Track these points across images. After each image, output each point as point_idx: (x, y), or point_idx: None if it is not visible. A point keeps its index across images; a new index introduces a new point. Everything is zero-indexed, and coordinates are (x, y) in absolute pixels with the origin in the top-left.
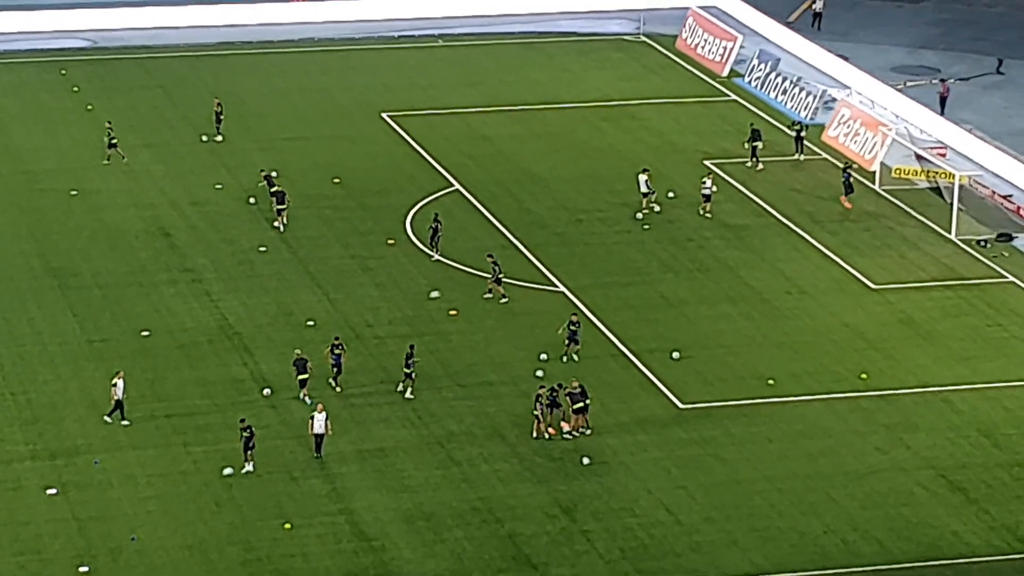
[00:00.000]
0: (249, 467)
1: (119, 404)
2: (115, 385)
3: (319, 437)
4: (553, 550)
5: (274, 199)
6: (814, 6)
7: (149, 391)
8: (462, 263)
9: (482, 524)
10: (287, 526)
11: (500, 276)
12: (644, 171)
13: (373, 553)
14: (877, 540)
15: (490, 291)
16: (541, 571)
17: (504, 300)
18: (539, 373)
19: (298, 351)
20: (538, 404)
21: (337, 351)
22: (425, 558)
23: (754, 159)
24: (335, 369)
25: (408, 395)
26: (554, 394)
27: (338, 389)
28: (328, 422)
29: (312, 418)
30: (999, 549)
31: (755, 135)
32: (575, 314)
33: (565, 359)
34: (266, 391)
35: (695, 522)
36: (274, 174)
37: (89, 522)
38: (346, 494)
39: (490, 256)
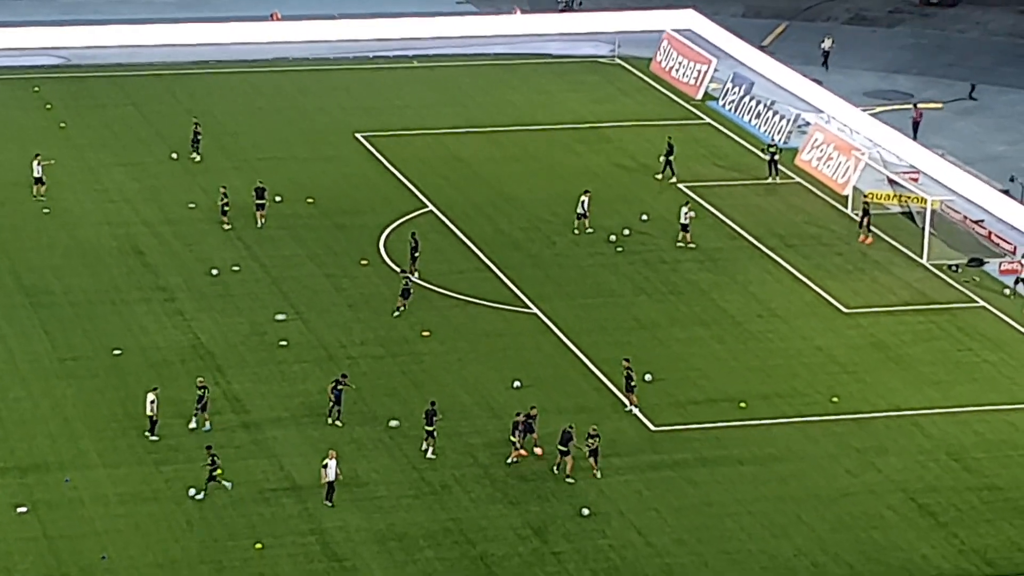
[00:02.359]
0: (206, 426)
1: (152, 421)
2: (152, 401)
3: (331, 484)
4: (524, 571)
5: (254, 194)
6: (823, 45)
7: (120, 409)
8: (435, 284)
9: (453, 545)
10: (258, 546)
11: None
12: (586, 192)
13: (344, 573)
14: (847, 563)
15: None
16: None
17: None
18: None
19: (200, 379)
20: (515, 431)
21: (340, 387)
22: None
23: (667, 170)
24: (335, 405)
25: (430, 454)
26: (529, 419)
27: (339, 424)
28: (339, 468)
29: (325, 466)
30: (968, 572)
31: (670, 149)
32: (627, 359)
33: (627, 408)
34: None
35: (666, 544)
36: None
37: (60, 540)
38: (317, 514)
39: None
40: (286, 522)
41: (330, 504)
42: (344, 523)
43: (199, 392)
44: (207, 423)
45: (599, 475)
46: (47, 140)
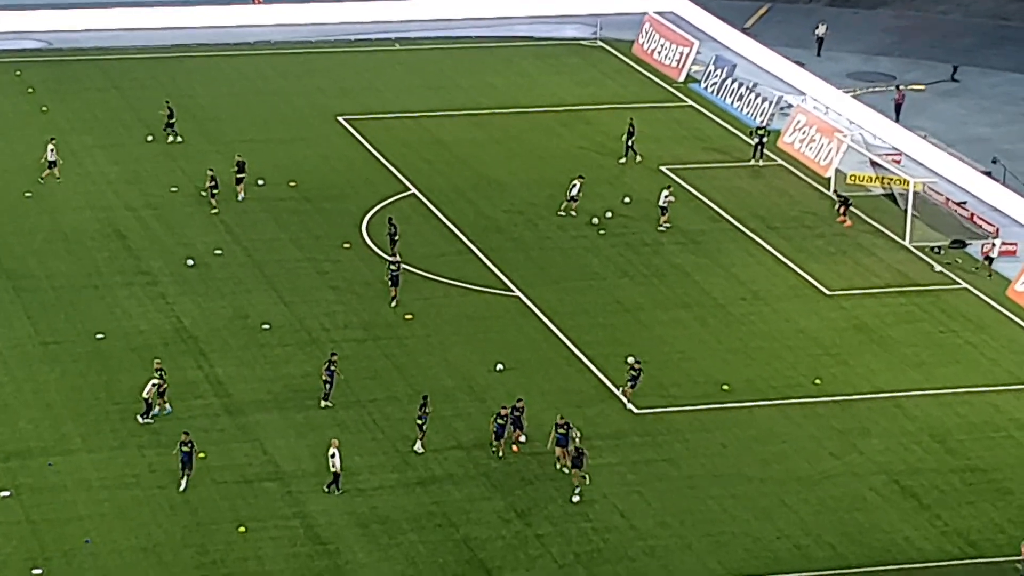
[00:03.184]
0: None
1: (148, 404)
2: (155, 385)
3: (338, 475)
4: (508, 554)
5: (235, 168)
6: (816, 31)
7: (104, 393)
8: (418, 267)
9: (436, 528)
10: (241, 529)
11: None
12: (579, 177)
13: (328, 556)
14: (830, 545)
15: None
16: None
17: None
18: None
19: (158, 360)
20: (495, 422)
21: (332, 368)
22: (379, 562)
23: (631, 153)
24: (327, 385)
25: (418, 448)
26: (516, 412)
27: (329, 404)
28: (338, 459)
29: (332, 456)
30: (950, 554)
31: (632, 131)
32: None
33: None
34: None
35: (649, 527)
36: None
37: (43, 524)
38: (301, 498)
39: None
40: (269, 506)
41: (330, 491)
42: (327, 507)
43: (156, 375)
44: (167, 407)
45: (588, 480)
46: (29, 124)
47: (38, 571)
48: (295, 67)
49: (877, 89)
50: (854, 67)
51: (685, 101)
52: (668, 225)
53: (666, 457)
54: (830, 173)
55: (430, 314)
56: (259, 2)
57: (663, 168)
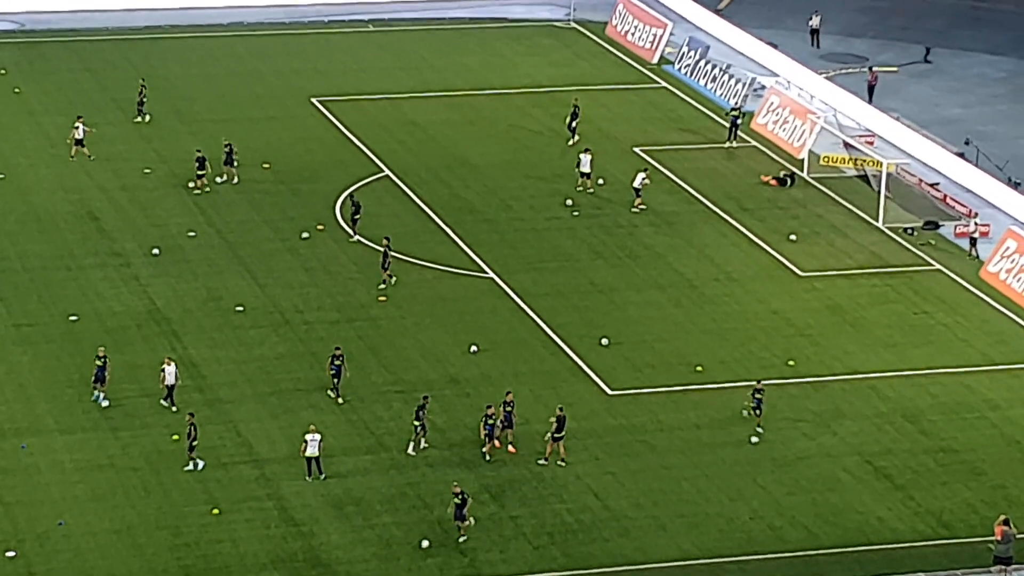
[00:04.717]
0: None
1: (170, 389)
2: (172, 372)
3: (314, 460)
4: (482, 535)
5: (225, 151)
6: (811, 22)
7: (77, 375)
8: (392, 249)
9: (411, 509)
10: (215, 511)
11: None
12: (586, 150)
13: (302, 538)
14: (804, 526)
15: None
16: (470, 557)
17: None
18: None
19: (102, 348)
20: (485, 423)
21: (337, 362)
22: (354, 543)
23: (574, 137)
24: (335, 379)
25: (411, 451)
26: (508, 408)
27: (339, 400)
28: (321, 443)
29: (306, 441)
30: (924, 534)
31: (575, 113)
32: (760, 390)
33: (757, 437)
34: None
35: (623, 508)
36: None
37: (16, 506)
38: (275, 480)
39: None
40: (243, 488)
41: (311, 478)
42: (301, 489)
43: (99, 363)
44: (103, 396)
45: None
46: (2, 106)
47: (11, 553)
48: (269, 48)
49: (850, 71)
50: (827, 48)
51: (659, 83)
52: (643, 207)
53: (640, 438)
54: (803, 155)
55: (404, 296)
56: None
57: (637, 149)
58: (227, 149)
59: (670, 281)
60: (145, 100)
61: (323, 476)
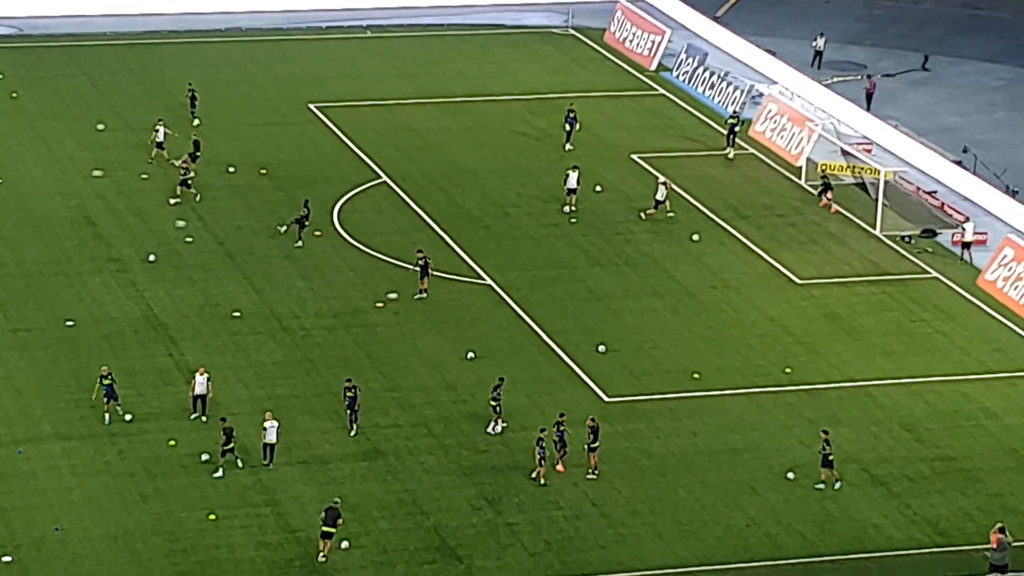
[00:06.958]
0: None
1: (202, 400)
2: (206, 380)
3: (270, 447)
4: (478, 542)
5: (192, 146)
6: (814, 44)
7: (73, 381)
8: (389, 255)
9: (407, 516)
10: (212, 517)
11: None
12: (575, 167)
13: (298, 545)
14: (800, 533)
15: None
16: (466, 563)
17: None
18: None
19: (105, 368)
20: (539, 445)
21: (350, 394)
22: (350, 550)
23: (569, 144)
24: (349, 412)
25: (496, 429)
26: (560, 431)
27: (353, 432)
28: (279, 431)
29: (264, 429)
30: (920, 542)
31: (571, 116)
32: (826, 433)
33: (824, 487)
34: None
35: (620, 515)
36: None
37: (12, 512)
38: (272, 485)
39: (419, 252)
40: (239, 494)
41: (267, 464)
42: (298, 494)
43: (106, 383)
44: (119, 411)
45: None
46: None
47: (8, 559)
48: (266, 54)
49: (848, 78)
50: (825, 56)
51: (657, 90)
52: (672, 214)
53: (636, 446)
54: (801, 162)
55: (401, 302)
56: None
57: (634, 156)
58: (194, 146)
59: (667, 288)
60: (196, 102)
61: (268, 464)
